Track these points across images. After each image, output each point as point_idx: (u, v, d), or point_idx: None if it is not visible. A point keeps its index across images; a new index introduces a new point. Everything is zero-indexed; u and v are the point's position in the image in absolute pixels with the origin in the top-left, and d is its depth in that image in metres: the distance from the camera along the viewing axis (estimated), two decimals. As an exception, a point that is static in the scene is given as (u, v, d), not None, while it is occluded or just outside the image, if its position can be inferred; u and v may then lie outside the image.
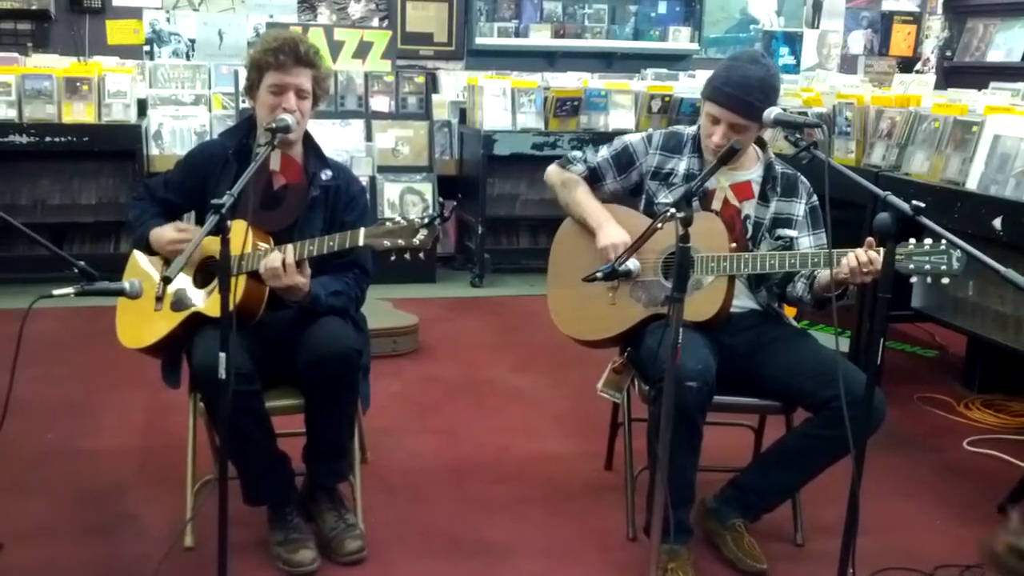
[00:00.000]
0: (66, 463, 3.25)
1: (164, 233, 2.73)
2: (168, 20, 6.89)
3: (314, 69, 2.71)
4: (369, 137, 5.95)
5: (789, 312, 2.99)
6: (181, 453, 2.82)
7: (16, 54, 5.79)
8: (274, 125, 2.50)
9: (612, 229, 2.80)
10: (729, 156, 2.34)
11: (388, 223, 2.41)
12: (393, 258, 2.40)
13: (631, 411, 2.96)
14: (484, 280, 5.93)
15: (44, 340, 4.35)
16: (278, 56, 2.65)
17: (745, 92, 2.59)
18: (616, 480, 3.15)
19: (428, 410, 3.90)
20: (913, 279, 2.38)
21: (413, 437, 3.59)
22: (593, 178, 2.94)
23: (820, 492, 2.75)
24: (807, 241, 2.80)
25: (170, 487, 2.97)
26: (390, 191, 5.84)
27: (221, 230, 2.13)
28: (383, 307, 4.81)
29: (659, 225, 2.22)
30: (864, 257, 2.39)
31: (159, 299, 2.73)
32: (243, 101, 5.85)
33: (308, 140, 2.82)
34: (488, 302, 5.63)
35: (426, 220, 2.39)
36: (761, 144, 2.85)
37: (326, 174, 2.80)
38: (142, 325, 2.74)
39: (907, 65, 7.94)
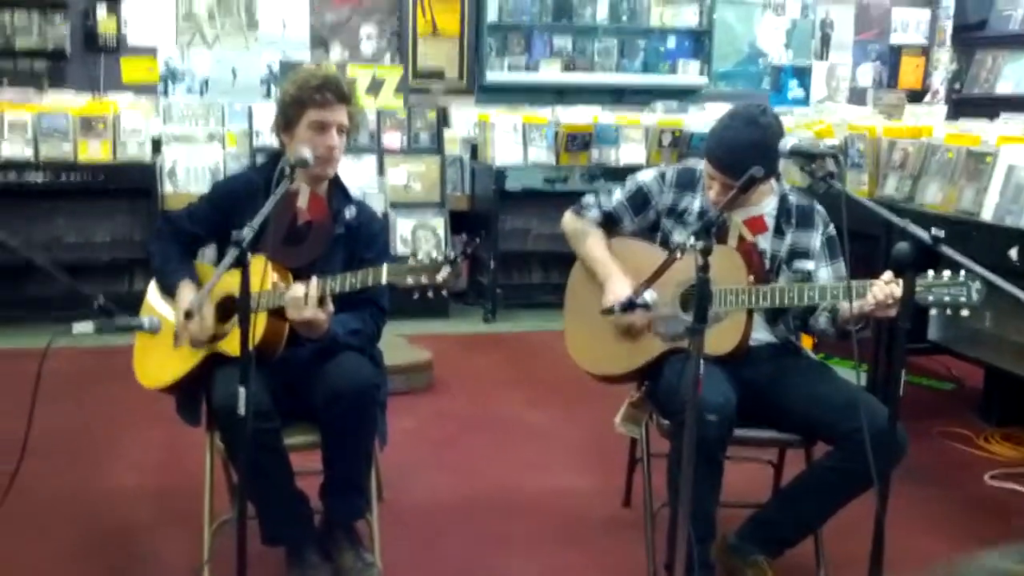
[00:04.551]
0: (82, 503, 3.24)
1: (188, 295, 2.67)
2: (182, 58, 6.96)
3: (352, 106, 2.73)
4: (381, 173, 5.98)
5: (806, 343, 2.98)
6: (198, 492, 2.80)
7: (32, 91, 5.84)
8: (293, 160, 2.50)
9: (616, 284, 2.79)
10: (749, 187, 2.33)
11: (411, 260, 2.40)
12: (416, 296, 2.39)
13: (650, 446, 2.94)
14: (497, 315, 5.93)
15: (58, 379, 4.32)
16: (324, 94, 2.66)
17: (735, 157, 2.56)
18: (634, 517, 3.13)
19: (443, 446, 3.88)
20: (933, 311, 2.37)
21: (428, 474, 3.57)
22: (609, 222, 2.94)
23: (842, 527, 2.72)
24: (825, 272, 2.79)
25: (187, 527, 2.94)
26: (402, 227, 5.86)
27: (241, 264, 2.13)
28: (397, 343, 4.80)
29: (678, 255, 2.21)
30: (887, 290, 2.38)
31: (178, 336, 2.73)
32: (256, 138, 5.91)
33: (334, 177, 2.83)
34: (501, 337, 5.62)
35: (450, 257, 2.38)
36: (775, 176, 2.85)
37: (350, 211, 2.81)
38: (160, 363, 2.74)
39: (916, 97, 7.94)
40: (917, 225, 2.14)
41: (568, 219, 3.02)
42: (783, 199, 2.81)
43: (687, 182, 2.87)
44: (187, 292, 2.68)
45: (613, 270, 2.84)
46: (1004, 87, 7.84)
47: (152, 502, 3.26)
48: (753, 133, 2.58)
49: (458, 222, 6.08)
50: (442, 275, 2.38)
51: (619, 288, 2.77)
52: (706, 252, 2.11)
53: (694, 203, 2.84)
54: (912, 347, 3.94)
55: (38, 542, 2.96)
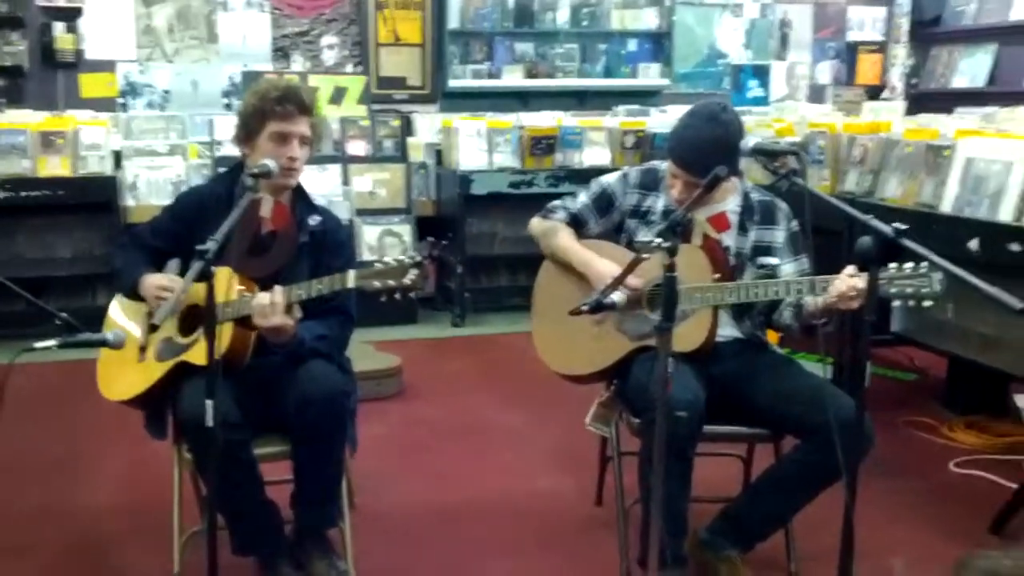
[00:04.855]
0: (52, 520, 3.20)
1: (154, 279, 2.69)
2: (142, 72, 6.91)
3: (313, 117, 2.72)
4: (346, 181, 5.97)
5: (771, 338, 3.00)
6: (166, 506, 2.79)
7: (-10, 110, 5.79)
8: (256, 170, 2.49)
9: (601, 264, 2.81)
10: (713, 186, 2.35)
11: (377, 264, 2.40)
12: (384, 299, 2.38)
13: (620, 444, 2.95)
14: (465, 319, 5.93)
15: (22, 396, 4.28)
16: (285, 105, 2.65)
17: (698, 155, 2.60)
18: (607, 515, 3.14)
19: (415, 452, 3.87)
20: (896, 303, 2.40)
21: (401, 480, 3.56)
22: (575, 224, 2.96)
23: (811, 520, 2.74)
24: (789, 267, 2.81)
25: (157, 540, 2.91)
26: (369, 234, 5.85)
27: (206, 276, 2.12)
28: (365, 350, 4.79)
29: (645, 256, 2.22)
30: (850, 283, 2.41)
31: (143, 349, 2.71)
32: (218, 150, 5.87)
33: (296, 186, 2.83)
34: (470, 341, 5.62)
35: (416, 259, 2.38)
36: (737, 174, 2.88)
37: (314, 219, 2.80)
38: (125, 377, 2.72)
39: (874, 93, 8.07)
40: (879, 219, 2.17)
41: (535, 222, 3.03)
42: (746, 196, 2.83)
43: (650, 182, 2.89)
44: (155, 278, 2.68)
45: (591, 255, 2.85)
46: (960, 81, 7.97)
47: (122, 516, 3.23)
48: (715, 130, 2.60)
49: (425, 228, 6.07)
50: (409, 277, 2.38)
51: (604, 268, 2.78)
52: (672, 252, 2.13)
53: (657, 203, 2.86)
54: (876, 339, 3.98)
55: (8, 560, 2.92)
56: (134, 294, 2.74)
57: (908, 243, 2.11)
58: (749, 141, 2.53)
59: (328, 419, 2.57)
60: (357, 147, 6.10)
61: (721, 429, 2.71)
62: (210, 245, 2.13)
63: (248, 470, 2.57)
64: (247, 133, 2.73)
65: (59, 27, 6.67)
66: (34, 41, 6.64)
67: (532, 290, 3.03)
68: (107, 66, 6.86)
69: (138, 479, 3.53)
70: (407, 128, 6.50)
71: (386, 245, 5.84)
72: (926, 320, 3.78)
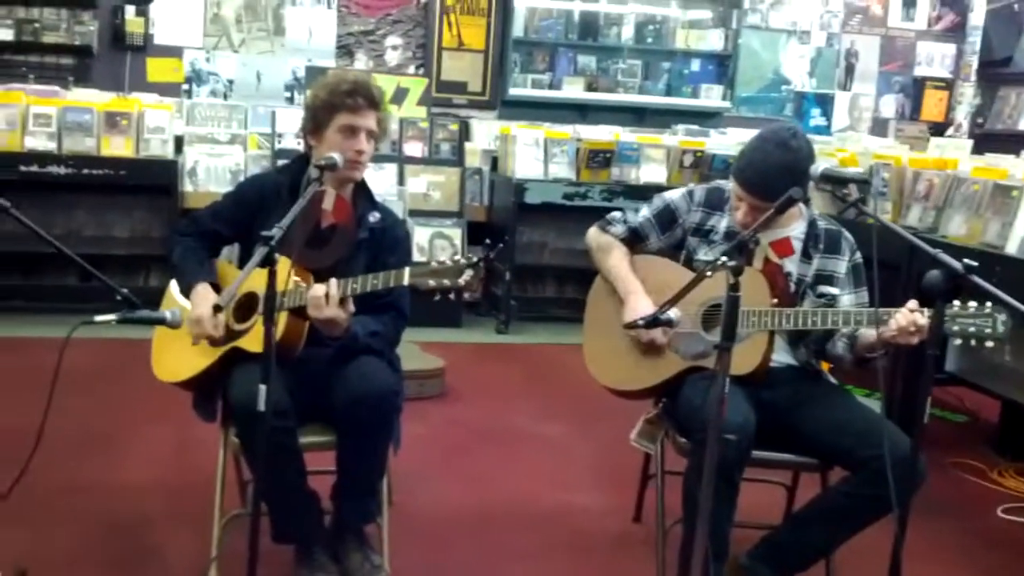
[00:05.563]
0: (92, 495, 3.24)
1: (199, 310, 2.60)
2: (208, 60, 7.00)
3: (381, 112, 2.73)
4: (401, 181, 6.00)
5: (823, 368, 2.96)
6: (207, 488, 2.81)
7: (57, 88, 5.87)
8: (323, 162, 2.50)
9: (636, 301, 2.79)
10: (785, 208, 2.32)
11: (433, 263, 2.40)
12: (437, 298, 2.38)
13: (664, 463, 2.93)
14: (510, 327, 5.92)
15: (75, 370, 4.33)
16: (355, 98, 2.66)
17: (765, 180, 2.57)
18: (644, 533, 3.11)
19: (454, 454, 3.87)
20: (957, 342, 2.35)
21: (438, 481, 3.56)
22: (635, 238, 2.94)
23: (854, 553, 2.70)
24: (848, 299, 2.78)
25: (195, 522, 2.94)
26: (420, 235, 5.87)
27: (270, 262, 2.13)
28: (410, 349, 4.79)
29: (708, 273, 2.20)
30: (911, 317, 2.37)
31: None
32: (278, 142, 5.93)
33: (360, 182, 2.84)
34: (514, 349, 5.61)
35: (472, 260, 2.37)
36: (805, 200, 2.84)
37: (374, 216, 2.81)
38: (178, 358, 2.74)
39: (938, 130, 7.95)
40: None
41: (593, 234, 3.02)
42: (813, 223, 2.80)
43: (715, 202, 2.86)
44: (202, 295, 2.66)
45: (635, 287, 2.83)
46: (1027, 124, 7.83)
47: (162, 496, 3.26)
48: (784, 156, 2.58)
49: (475, 233, 6.09)
50: (465, 278, 2.37)
51: (639, 305, 2.76)
52: (737, 272, 2.10)
53: (721, 223, 2.83)
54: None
55: (48, 532, 2.95)
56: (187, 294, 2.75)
57: (977, 279, 2.08)
58: (818, 166, 2.50)
59: (377, 416, 2.57)
60: (414, 148, 6.14)
61: (770, 455, 2.68)
62: (275, 232, 2.15)
63: (293, 458, 2.58)
64: (315, 125, 2.74)
65: (130, 10, 6.77)
66: (105, 23, 6.74)
67: (579, 302, 3.02)
68: (174, 52, 6.95)
69: (180, 460, 3.56)
70: (465, 133, 6.53)
71: (436, 247, 5.86)
72: (982, 361, 3.72)
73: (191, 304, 2.67)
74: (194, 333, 2.62)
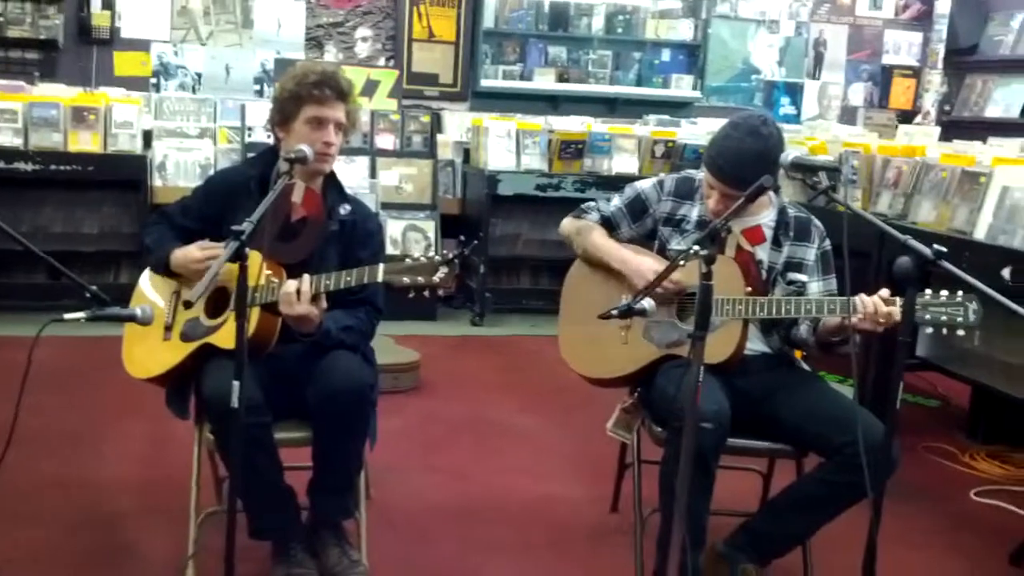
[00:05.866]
0: (66, 492, 3.20)
1: (189, 252, 2.69)
2: (176, 53, 6.93)
3: (349, 104, 2.71)
4: (373, 174, 5.97)
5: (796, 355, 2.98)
6: (182, 485, 2.79)
7: (23, 83, 5.79)
8: (292, 155, 2.48)
9: (639, 261, 2.79)
10: (756, 196, 2.32)
11: (408, 260, 2.37)
12: (412, 295, 2.37)
13: (640, 452, 2.93)
14: (485, 319, 5.92)
15: (46, 368, 4.28)
16: (323, 89, 2.64)
17: (738, 167, 2.57)
18: (622, 522, 3.12)
19: (430, 448, 3.86)
20: (928, 330, 2.37)
21: (416, 475, 3.55)
22: (607, 226, 2.94)
23: (830, 539, 2.72)
24: (816, 286, 2.80)
25: (170, 519, 2.92)
26: (393, 228, 5.85)
27: (240, 256, 2.11)
28: (384, 343, 4.78)
29: (681, 262, 2.20)
30: (883, 308, 2.38)
31: (168, 328, 2.71)
32: (248, 135, 5.88)
33: (329, 174, 2.82)
34: (489, 341, 5.61)
35: (447, 257, 2.35)
36: (775, 188, 2.85)
37: (344, 208, 2.79)
38: (150, 354, 2.72)
39: (906, 118, 8.02)
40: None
41: (567, 222, 3.02)
42: (783, 211, 2.81)
43: (686, 191, 2.87)
44: (190, 251, 2.68)
45: (627, 253, 2.84)
46: (993, 111, 7.91)
47: (137, 494, 3.23)
48: (756, 143, 2.58)
49: (448, 225, 6.07)
50: (439, 275, 2.35)
51: (643, 264, 2.77)
52: (710, 260, 2.11)
53: (692, 212, 2.84)
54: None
55: (21, 531, 2.92)
56: (166, 270, 2.74)
57: (948, 265, 2.09)
58: (789, 154, 2.51)
59: (352, 410, 2.56)
60: (386, 141, 6.11)
61: (745, 443, 2.69)
62: (245, 226, 2.13)
63: (268, 454, 2.56)
64: (283, 117, 2.72)
65: (96, 3, 6.69)
66: (70, 16, 6.66)
67: (553, 293, 3.02)
68: (141, 45, 6.87)
69: (155, 457, 3.53)
70: (436, 125, 6.51)
71: (410, 240, 5.84)
72: (952, 347, 3.75)
73: (179, 260, 2.68)
74: (192, 270, 2.63)
